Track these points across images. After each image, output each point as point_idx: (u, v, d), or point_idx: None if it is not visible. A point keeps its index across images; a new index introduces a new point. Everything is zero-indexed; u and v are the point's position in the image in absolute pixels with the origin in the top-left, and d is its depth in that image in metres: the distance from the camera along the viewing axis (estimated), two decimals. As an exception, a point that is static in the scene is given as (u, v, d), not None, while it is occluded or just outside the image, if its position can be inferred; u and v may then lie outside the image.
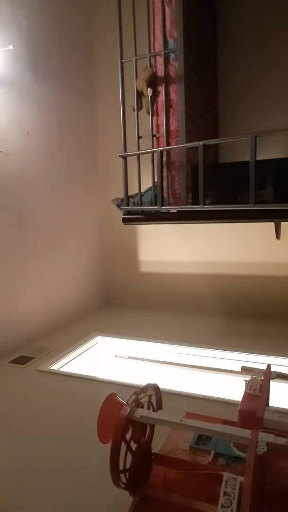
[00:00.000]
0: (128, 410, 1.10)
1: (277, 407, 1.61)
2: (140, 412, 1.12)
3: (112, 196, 2.54)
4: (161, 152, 2.11)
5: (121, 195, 2.37)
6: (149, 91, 2.14)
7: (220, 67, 3.07)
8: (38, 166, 2.91)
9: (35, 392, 2.10)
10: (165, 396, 1.30)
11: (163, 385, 1.43)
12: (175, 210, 2.20)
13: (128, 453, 1.10)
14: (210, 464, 1.31)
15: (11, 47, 2.55)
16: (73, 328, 3.11)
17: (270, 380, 1.37)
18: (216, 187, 2.12)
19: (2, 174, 2.57)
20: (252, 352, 2.48)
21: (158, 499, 1.13)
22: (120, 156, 2.28)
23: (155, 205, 2.20)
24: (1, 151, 2.56)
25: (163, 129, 2.16)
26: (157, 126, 2.21)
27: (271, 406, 1.35)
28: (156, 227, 3.42)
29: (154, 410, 1.23)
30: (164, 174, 2.16)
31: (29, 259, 2.84)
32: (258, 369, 1.44)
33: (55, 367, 2.41)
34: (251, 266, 3.24)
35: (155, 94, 2.17)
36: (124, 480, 1.08)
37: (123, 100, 2.26)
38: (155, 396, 1.25)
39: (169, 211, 2.21)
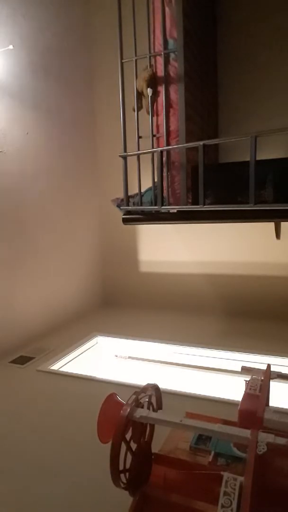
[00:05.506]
0: (128, 410, 1.09)
1: (277, 407, 1.61)
2: (140, 412, 1.12)
3: (112, 196, 2.54)
4: (161, 152, 2.11)
5: (121, 195, 2.37)
6: (149, 91, 2.14)
7: (220, 67, 3.07)
8: (38, 166, 2.91)
9: (35, 392, 2.10)
10: (165, 396, 1.30)
11: (163, 385, 1.43)
12: (175, 210, 2.20)
13: (128, 453, 1.10)
14: (210, 464, 1.31)
15: (11, 47, 2.55)
16: (73, 328, 3.11)
17: (270, 380, 1.37)
18: (216, 187, 2.12)
19: (1, 174, 2.57)
20: (252, 352, 2.48)
21: (158, 499, 1.13)
22: (120, 156, 2.28)
23: (155, 205, 2.20)
24: (1, 151, 2.56)
25: (163, 129, 2.16)
26: (157, 126, 2.21)
27: (271, 406, 1.35)
28: (156, 227, 3.42)
29: (154, 410, 1.23)
30: (164, 174, 2.16)
31: (29, 259, 2.84)
32: (258, 369, 1.44)
33: (55, 367, 2.41)
34: (251, 266, 3.24)
35: (155, 94, 2.17)
36: (124, 480, 1.08)
37: (123, 100, 2.26)
38: (155, 396, 1.25)
39: (169, 211, 2.21)
